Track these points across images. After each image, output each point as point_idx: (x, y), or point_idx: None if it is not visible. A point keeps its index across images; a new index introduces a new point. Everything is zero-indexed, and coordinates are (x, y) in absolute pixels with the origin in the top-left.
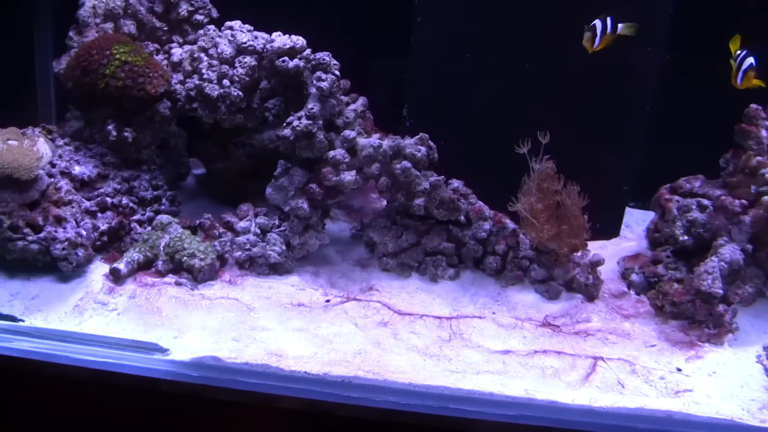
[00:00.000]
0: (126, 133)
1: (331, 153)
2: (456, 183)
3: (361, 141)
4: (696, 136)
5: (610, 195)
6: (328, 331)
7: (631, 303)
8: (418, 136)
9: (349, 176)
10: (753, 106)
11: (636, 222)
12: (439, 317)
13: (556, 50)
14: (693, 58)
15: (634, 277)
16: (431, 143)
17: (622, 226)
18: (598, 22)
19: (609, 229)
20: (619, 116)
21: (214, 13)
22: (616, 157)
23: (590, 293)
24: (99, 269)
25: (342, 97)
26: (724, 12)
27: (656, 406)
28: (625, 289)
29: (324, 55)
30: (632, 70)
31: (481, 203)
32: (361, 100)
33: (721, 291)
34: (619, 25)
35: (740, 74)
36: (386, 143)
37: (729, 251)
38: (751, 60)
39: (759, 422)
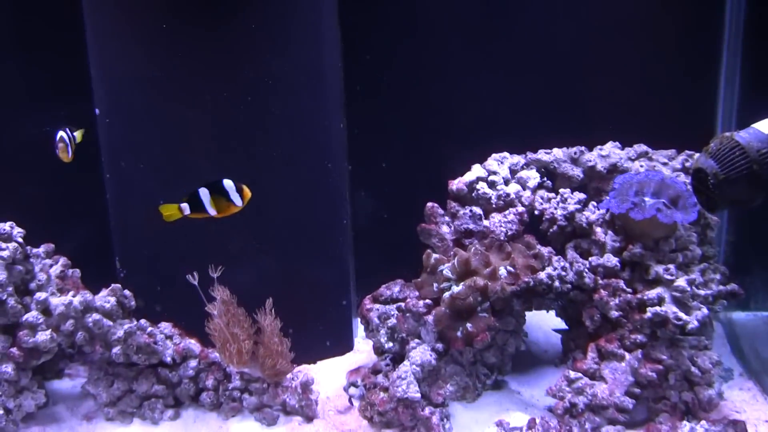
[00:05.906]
0: None
1: (26, 316)
2: (162, 326)
3: (54, 301)
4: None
5: (332, 312)
6: None
7: (354, 417)
8: (109, 288)
9: (43, 336)
10: (429, 204)
11: None
12: None
13: (255, 174)
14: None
15: (353, 390)
16: (126, 293)
17: (358, 340)
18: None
19: (341, 344)
20: (323, 231)
21: None
22: (328, 273)
23: (307, 414)
24: None
25: (45, 261)
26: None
27: None
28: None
29: (3, 226)
30: (329, 187)
31: (189, 341)
32: (62, 261)
33: (417, 395)
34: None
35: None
36: (77, 300)
37: (420, 353)
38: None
39: None
